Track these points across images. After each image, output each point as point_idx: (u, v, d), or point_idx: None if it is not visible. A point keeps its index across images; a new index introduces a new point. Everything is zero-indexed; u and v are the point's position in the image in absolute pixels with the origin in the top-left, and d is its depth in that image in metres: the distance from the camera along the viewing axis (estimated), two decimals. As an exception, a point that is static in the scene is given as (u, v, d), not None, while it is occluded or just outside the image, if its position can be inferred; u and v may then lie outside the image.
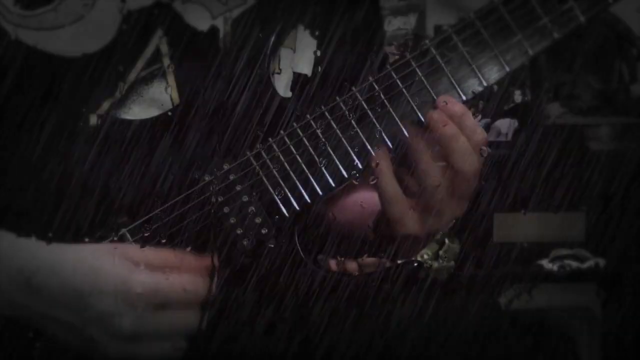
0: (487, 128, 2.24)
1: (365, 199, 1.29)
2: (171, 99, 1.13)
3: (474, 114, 1.10)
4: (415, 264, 1.21)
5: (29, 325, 1.05)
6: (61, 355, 1.05)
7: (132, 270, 1.02)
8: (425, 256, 2.13)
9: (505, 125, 2.39)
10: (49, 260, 1.03)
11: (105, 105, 1.10)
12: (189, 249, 1.08)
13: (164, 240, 1.08)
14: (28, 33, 1.08)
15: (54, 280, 1.02)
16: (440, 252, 2.13)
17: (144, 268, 1.03)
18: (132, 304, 1.01)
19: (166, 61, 1.12)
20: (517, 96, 2.41)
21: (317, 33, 1.22)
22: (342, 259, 1.30)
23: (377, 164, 1.10)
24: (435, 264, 1.24)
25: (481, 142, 1.09)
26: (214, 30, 1.15)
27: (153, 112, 1.12)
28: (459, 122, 1.07)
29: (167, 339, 1.04)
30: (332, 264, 1.26)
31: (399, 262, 1.18)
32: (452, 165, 1.08)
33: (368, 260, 1.37)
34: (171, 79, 1.13)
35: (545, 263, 2.36)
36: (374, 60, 1.25)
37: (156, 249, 1.06)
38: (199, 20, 1.14)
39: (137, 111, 1.12)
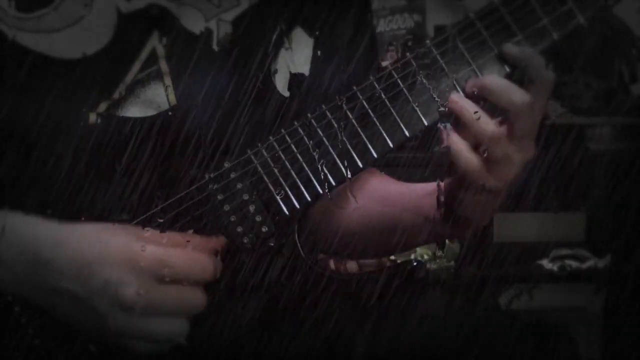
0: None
1: (365, 199, 1.29)
2: (168, 101, 1.13)
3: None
4: (415, 264, 1.21)
5: (35, 303, 1.05)
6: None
7: (140, 243, 1.03)
8: (425, 256, 2.13)
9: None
10: (56, 234, 1.03)
11: (103, 107, 1.10)
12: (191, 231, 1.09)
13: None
14: (26, 36, 1.08)
15: (62, 252, 1.02)
16: (440, 252, 2.13)
17: (151, 243, 1.03)
18: (138, 274, 1.01)
19: (163, 63, 1.13)
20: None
21: (317, 33, 1.22)
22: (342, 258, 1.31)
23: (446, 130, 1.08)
24: (435, 264, 1.24)
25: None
26: (208, 32, 1.15)
27: (150, 114, 1.12)
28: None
29: (170, 315, 1.04)
30: (332, 263, 1.27)
31: (398, 262, 1.19)
32: (506, 108, 1.06)
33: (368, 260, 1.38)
34: (168, 80, 1.13)
35: (545, 263, 2.37)
36: (367, 59, 1.26)
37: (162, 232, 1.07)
38: (193, 22, 1.14)
39: (135, 112, 1.12)
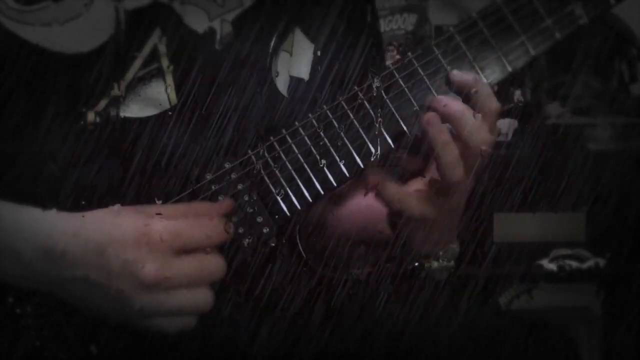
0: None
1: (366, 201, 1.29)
2: (169, 99, 1.13)
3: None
4: (416, 264, 1.21)
5: (55, 297, 1.05)
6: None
7: (152, 218, 1.03)
8: (425, 256, 2.13)
9: (505, 125, 2.38)
10: (67, 225, 1.03)
11: (103, 104, 1.10)
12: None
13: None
14: (26, 29, 1.08)
15: (75, 242, 1.02)
16: (440, 252, 2.13)
17: (161, 217, 1.04)
18: (154, 250, 1.01)
19: (164, 61, 1.12)
20: (517, 96, 2.41)
21: (315, 34, 1.22)
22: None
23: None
24: (435, 264, 1.24)
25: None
26: (211, 31, 1.15)
27: (151, 112, 1.12)
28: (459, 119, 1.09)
29: (193, 285, 1.04)
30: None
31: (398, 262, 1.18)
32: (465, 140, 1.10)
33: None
34: (169, 79, 1.13)
35: (545, 263, 2.36)
36: (373, 59, 1.26)
37: (172, 203, 1.08)
38: (197, 22, 1.14)
39: (135, 110, 1.12)
